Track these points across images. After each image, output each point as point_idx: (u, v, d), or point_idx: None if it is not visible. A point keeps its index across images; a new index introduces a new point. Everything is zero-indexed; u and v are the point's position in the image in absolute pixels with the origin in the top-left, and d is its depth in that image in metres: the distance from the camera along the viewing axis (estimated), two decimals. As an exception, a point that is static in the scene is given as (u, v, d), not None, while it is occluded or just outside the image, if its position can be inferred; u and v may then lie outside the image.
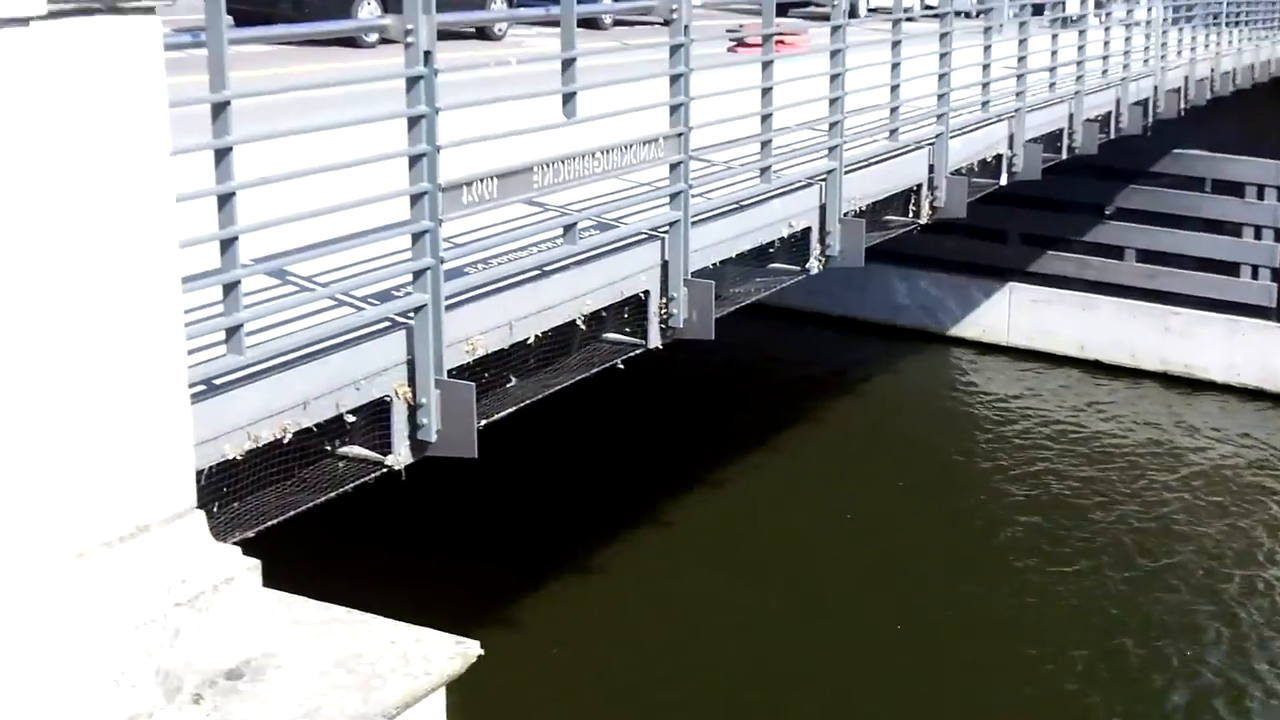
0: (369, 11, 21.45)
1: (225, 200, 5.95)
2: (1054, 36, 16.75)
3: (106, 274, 4.71)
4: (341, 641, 5.48)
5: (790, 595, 16.06)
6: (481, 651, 5.57)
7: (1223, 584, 17.11)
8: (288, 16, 20.22)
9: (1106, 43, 18.63)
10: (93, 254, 4.66)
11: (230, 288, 6.04)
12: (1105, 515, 18.86)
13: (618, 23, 26.77)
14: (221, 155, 5.89)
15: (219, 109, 5.81)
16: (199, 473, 5.75)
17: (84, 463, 4.70)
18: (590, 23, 25.72)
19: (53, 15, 4.44)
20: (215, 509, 6.22)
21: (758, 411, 21.87)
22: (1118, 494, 19.69)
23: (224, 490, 6.27)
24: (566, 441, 19.15)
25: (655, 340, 9.44)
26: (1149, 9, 20.55)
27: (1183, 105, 21.90)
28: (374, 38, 19.62)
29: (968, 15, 16.45)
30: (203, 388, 5.94)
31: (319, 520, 7.37)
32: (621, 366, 9.32)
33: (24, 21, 4.28)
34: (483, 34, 23.02)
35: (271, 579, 5.62)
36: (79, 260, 4.61)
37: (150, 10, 4.79)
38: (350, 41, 18.15)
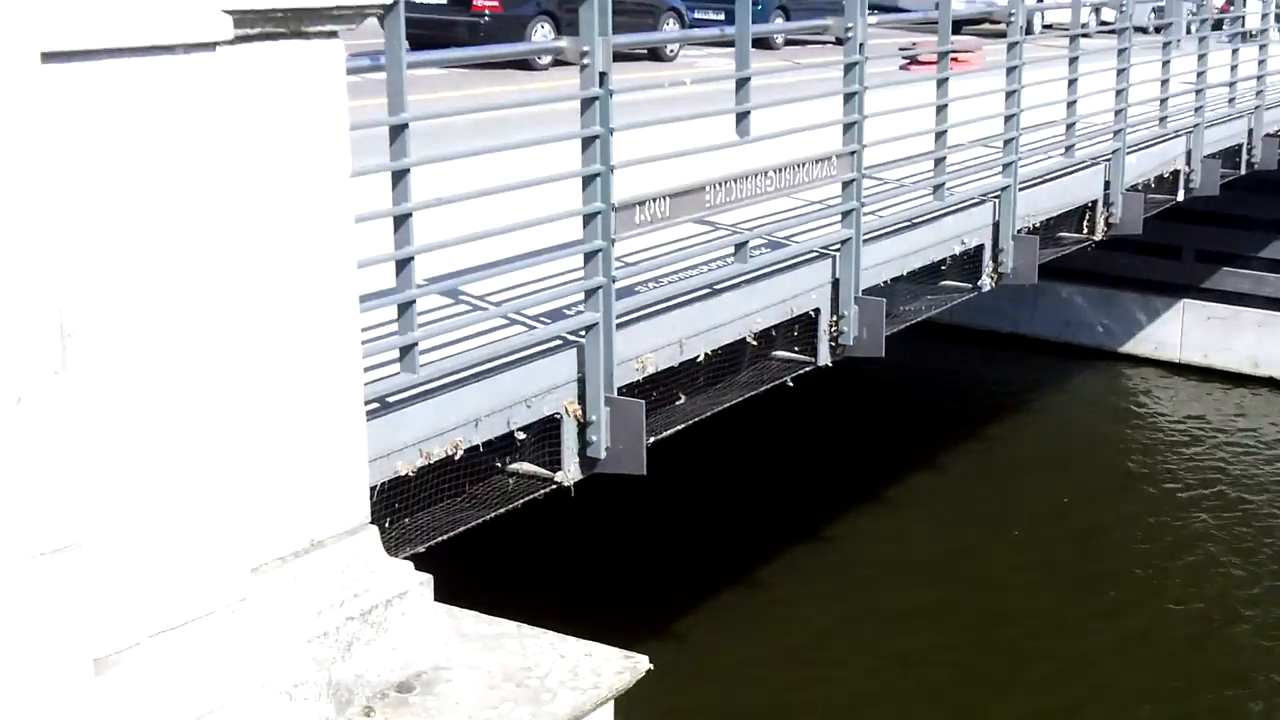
0: (543, 34, 21.66)
1: (401, 221, 6.01)
2: (1234, 51, 16.41)
3: (288, 293, 4.78)
4: (510, 655, 5.51)
5: (956, 618, 15.85)
6: (650, 666, 5.56)
7: None
8: (463, 40, 20.56)
9: (1288, 56, 18.24)
10: (275, 273, 4.73)
11: (405, 307, 6.09)
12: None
13: (790, 42, 26.72)
14: (399, 177, 5.96)
15: (397, 131, 5.88)
16: (372, 489, 5.81)
17: (261, 479, 4.76)
18: (762, 43, 25.74)
19: (239, 40, 4.51)
20: (388, 524, 6.28)
21: (927, 431, 21.64)
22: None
23: (396, 506, 6.33)
24: (736, 460, 19.08)
25: (825, 358, 9.39)
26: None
27: (1367, 119, 21.37)
28: (546, 60, 19.74)
29: (1145, 31, 16.16)
30: (376, 405, 6.00)
31: (490, 536, 7.41)
32: (791, 384, 9.28)
33: (210, 46, 4.34)
34: (655, 55, 23.19)
35: (442, 593, 5.67)
36: (263, 279, 4.69)
37: (333, 35, 4.85)
38: (524, 64, 18.31)
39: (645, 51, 23.03)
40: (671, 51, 23.68)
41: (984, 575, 16.87)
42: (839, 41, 9.10)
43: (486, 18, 21.42)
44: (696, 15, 27.44)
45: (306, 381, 4.89)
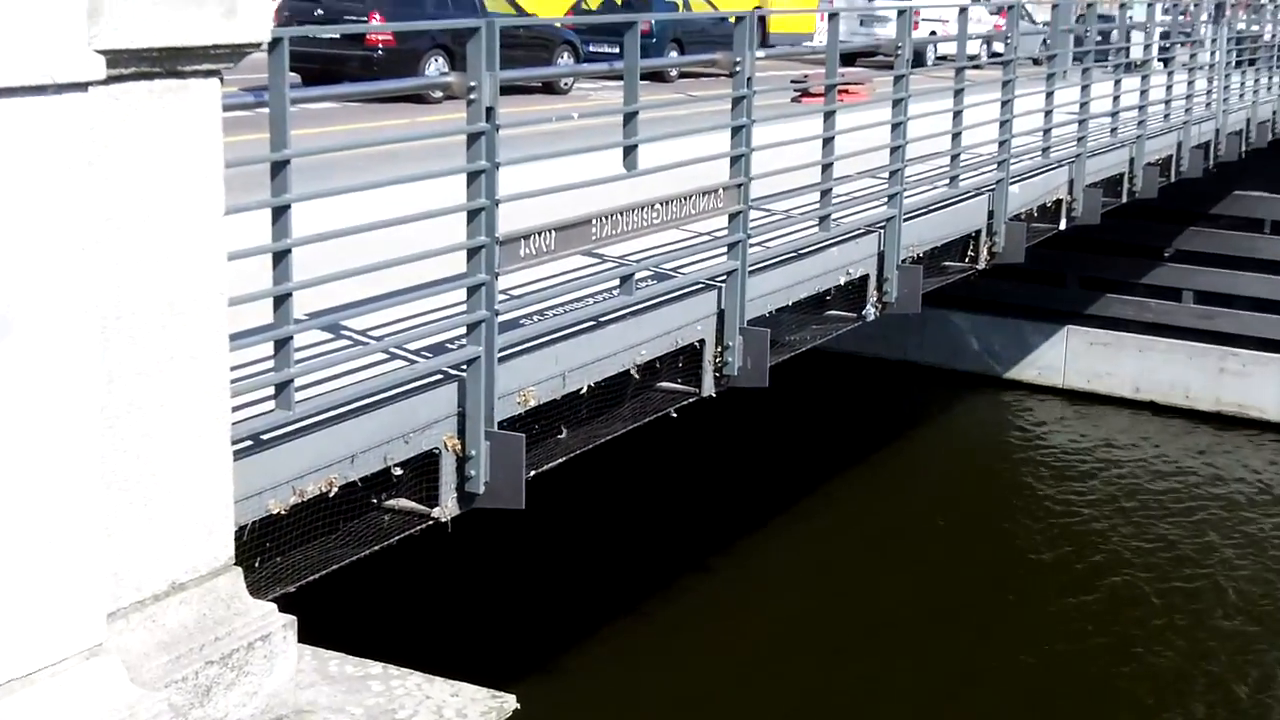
0: (436, 67, 21.57)
1: (281, 257, 5.93)
2: (1116, 82, 16.64)
3: (153, 330, 4.69)
4: (375, 697, 5.44)
5: (836, 654, 15.94)
6: (517, 705, 5.52)
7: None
8: (356, 73, 20.48)
9: (1169, 87, 18.51)
10: (142, 310, 4.64)
11: (282, 343, 6.01)
12: (1155, 555, 18.74)
13: (684, 75, 26.81)
14: (279, 213, 5.88)
15: (278, 167, 5.80)
16: (241, 528, 5.73)
17: (118, 519, 4.67)
18: (657, 75, 25.80)
19: (112, 80, 4.42)
20: (258, 564, 6.19)
21: (812, 459, 21.77)
22: (1165, 533, 19.54)
23: (267, 545, 6.23)
24: (624, 491, 19.08)
25: (709, 389, 9.39)
26: (1212, 53, 20.42)
27: (1244, 148, 21.79)
28: (439, 93, 19.64)
29: (1035, 62, 16.36)
30: (250, 443, 5.91)
31: (363, 574, 7.33)
32: (675, 415, 9.27)
33: (83, 87, 4.26)
34: (549, 88, 23.23)
35: (310, 634, 5.59)
36: (129, 316, 4.60)
37: (211, 74, 4.77)
38: (418, 97, 18.15)
39: (540, 85, 23.06)
40: (565, 85, 23.73)
41: (868, 603, 16.99)
42: (731, 74, 9.10)
43: (380, 51, 21.33)
44: (592, 49, 27.49)
45: (169, 420, 4.80)
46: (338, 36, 20.97)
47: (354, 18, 22.08)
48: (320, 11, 22.56)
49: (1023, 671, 15.59)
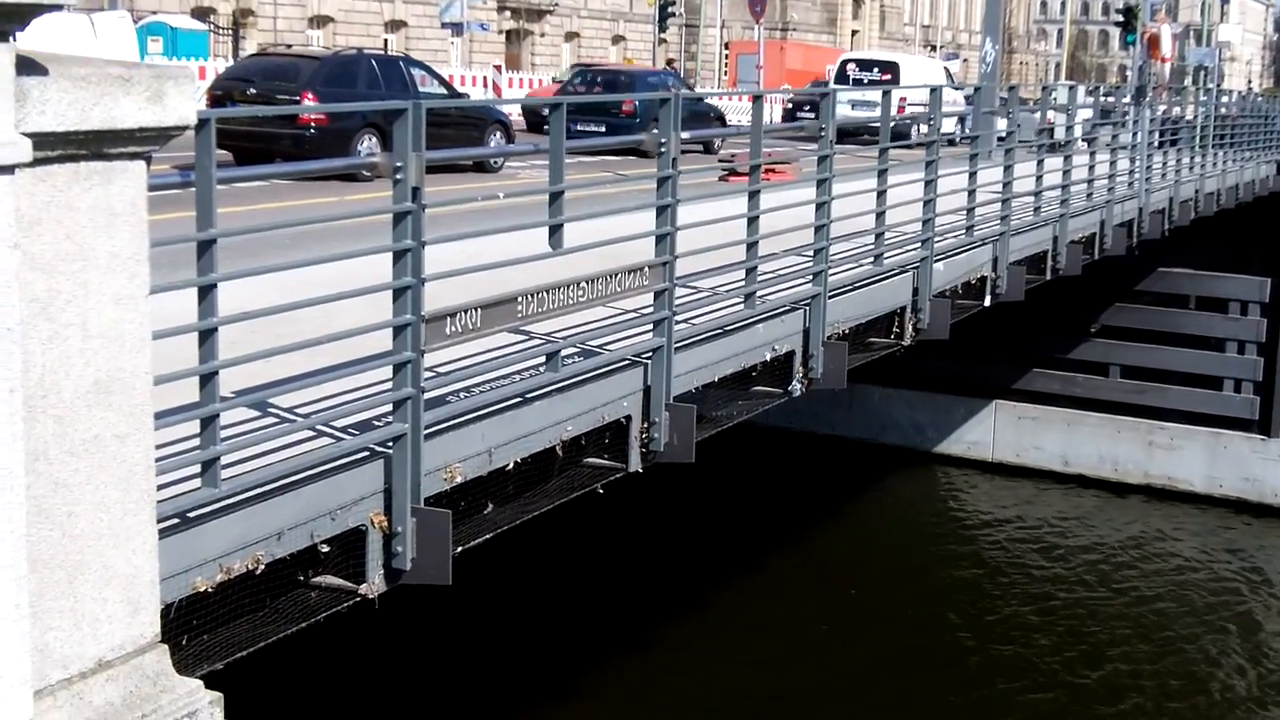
0: (368, 146, 21.69)
1: (206, 336, 5.98)
2: (1040, 161, 16.92)
3: (74, 410, 4.73)
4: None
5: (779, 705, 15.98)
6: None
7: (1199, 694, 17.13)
8: (289, 151, 20.56)
9: (1092, 167, 18.81)
10: (62, 390, 4.68)
11: (208, 421, 6.05)
12: (1091, 626, 18.90)
13: (612, 152, 27.09)
14: (205, 292, 5.93)
15: (205, 246, 5.86)
16: (168, 606, 5.75)
17: (44, 599, 4.70)
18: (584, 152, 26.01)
19: (39, 162, 4.49)
20: (185, 641, 6.20)
21: (741, 533, 21.85)
22: (1102, 606, 19.72)
23: (194, 622, 6.25)
24: (547, 569, 19.09)
25: (636, 464, 9.45)
26: (1135, 134, 20.79)
27: (1167, 226, 22.12)
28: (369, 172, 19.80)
29: (952, 143, 16.60)
30: (176, 520, 5.93)
31: (291, 651, 7.34)
32: (601, 491, 9.33)
33: (9, 169, 4.32)
34: (480, 167, 23.48)
35: (237, 712, 5.61)
36: (48, 395, 4.64)
37: (139, 156, 4.85)
38: (351, 176, 18.26)
39: (471, 164, 23.32)
40: (496, 163, 23.97)
41: (794, 679, 17.04)
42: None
43: (312, 130, 21.43)
44: (579, 128, 27.89)
45: (95, 499, 4.84)
46: (271, 116, 21.02)
47: (287, 97, 22.16)
48: (253, 90, 22.65)
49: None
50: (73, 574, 4.80)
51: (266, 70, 24.04)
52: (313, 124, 21.35)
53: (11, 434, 4.39)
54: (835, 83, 40.08)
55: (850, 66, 42.26)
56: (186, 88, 4.92)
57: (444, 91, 25.53)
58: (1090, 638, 18.73)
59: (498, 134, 25.33)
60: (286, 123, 21.43)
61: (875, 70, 40.70)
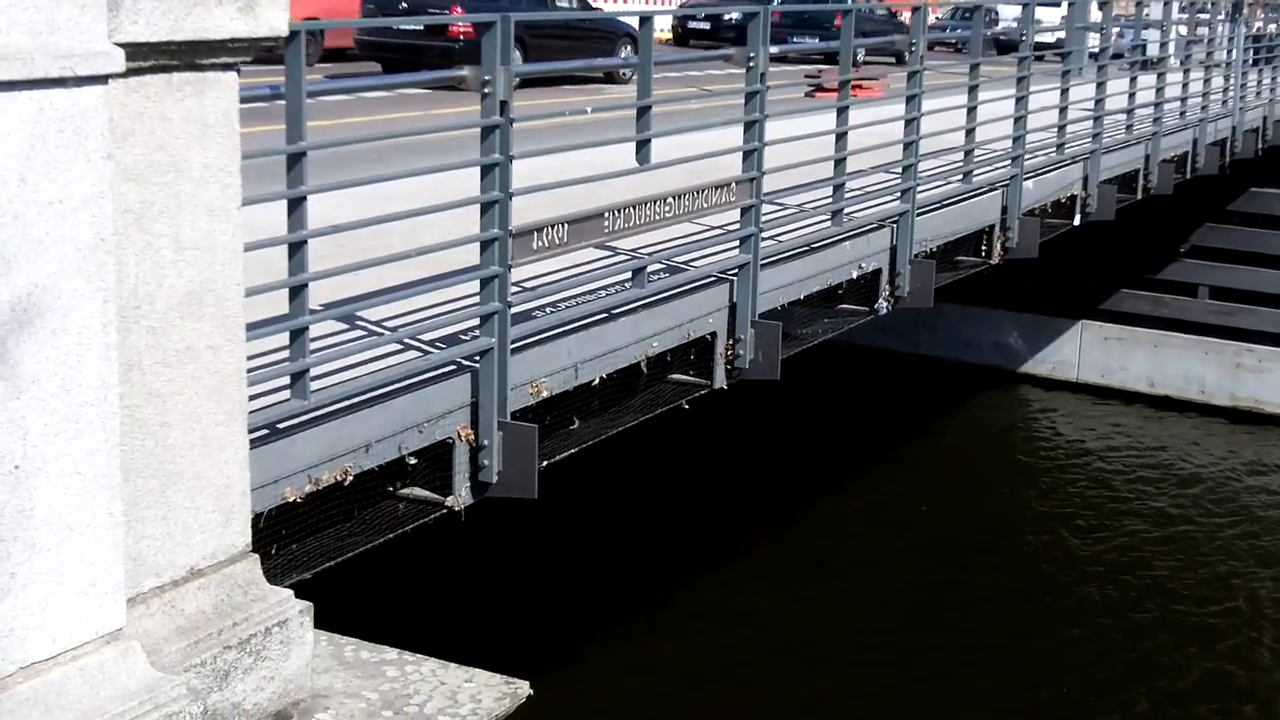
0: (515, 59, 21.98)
1: (296, 248, 6.01)
2: (1132, 79, 16.66)
3: (168, 320, 4.77)
4: (390, 682, 5.54)
5: (859, 635, 15.97)
6: (531, 692, 5.60)
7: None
8: (436, 63, 20.92)
9: (1185, 84, 18.52)
10: (155, 300, 4.72)
11: (298, 333, 6.08)
12: (1174, 552, 18.73)
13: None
14: (295, 204, 5.95)
15: (294, 159, 5.87)
16: (258, 516, 5.81)
17: (137, 507, 4.75)
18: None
19: (132, 73, 4.49)
20: (274, 551, 6.27)
21: (825, 451, 21.80)
22: (1185, 532, 19.54)
23: (283, 532, 6.31)
24: (632, 484, 19.11)
25: (721, 381, 9.45)
26: (1229, 51, 20.43)
27: (1260, 145, 21.80)
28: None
29: (1043, 59, 16.35)
30: (266, 431, 5.98)
31: (378, 562, 7.40)
32: (687, 407, 9.33)
33: (103, 79, 4.33)
34: (610, 78, 23.78)
35: (326, 620, 5.66)
36: (142, 306, 4.67)
37: (230, 67, 4.85)
38: (450, 86, 18.45)
39: (602, 75, 23.78)
40: (626, 75, 24.04)
41: (881, 596, 17.02)
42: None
43: (461, 43, 21.57)
44: (795, 41, 28.28)
45: (187, 409, 4.88)
46: (420, 28, 21.38)
47: (436, 10, 22.49)
48: (405, 4, 23.00)
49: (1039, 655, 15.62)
50: (165, 483, 4.85)
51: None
52: (461, 35, 21.58)
53: (106, 344, 4.42)
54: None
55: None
56: (279, -2, 4.92)
57: (578, 6, 25.77)
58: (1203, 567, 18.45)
59: (627, 47, 25.35)
60: (436, 35, 21.74)
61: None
